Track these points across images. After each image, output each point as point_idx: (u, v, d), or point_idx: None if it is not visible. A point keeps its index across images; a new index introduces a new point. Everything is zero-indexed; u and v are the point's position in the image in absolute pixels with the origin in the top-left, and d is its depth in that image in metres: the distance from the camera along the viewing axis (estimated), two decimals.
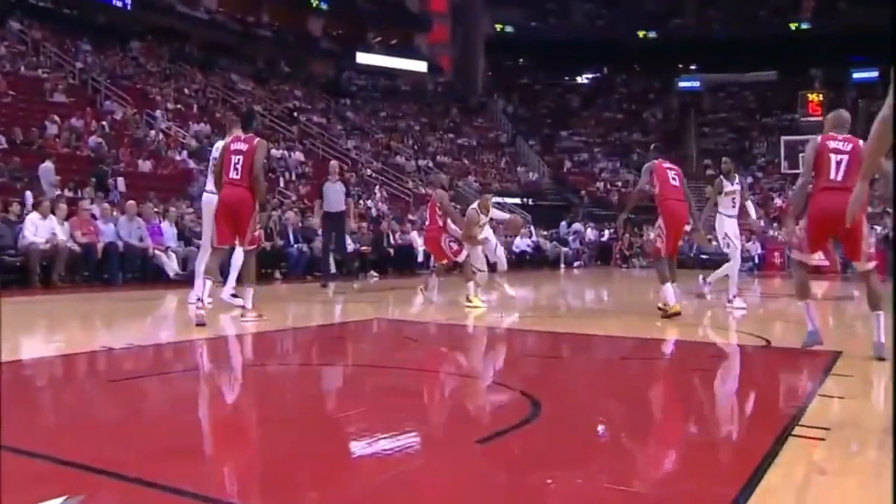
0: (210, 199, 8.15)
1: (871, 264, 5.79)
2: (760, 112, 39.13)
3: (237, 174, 7.27)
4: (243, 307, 7.53)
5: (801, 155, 10.69)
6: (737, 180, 10.01)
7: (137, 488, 2.56)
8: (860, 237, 5.64)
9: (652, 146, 10.39)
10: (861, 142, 5.76)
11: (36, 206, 11.65)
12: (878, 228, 24.24)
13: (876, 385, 4.71)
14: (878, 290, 5.85)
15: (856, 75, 37.31)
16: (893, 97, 3.43)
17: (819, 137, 5.90)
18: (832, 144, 5.70)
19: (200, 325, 6.85)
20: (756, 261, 23.47)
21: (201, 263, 8.37)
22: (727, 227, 9.82)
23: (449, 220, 9.82)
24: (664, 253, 8.16)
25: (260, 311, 7.59)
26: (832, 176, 5.55)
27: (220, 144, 8.23)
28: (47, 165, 14.83)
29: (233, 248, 7.88)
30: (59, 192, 13.93)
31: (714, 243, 10.24)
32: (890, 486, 2.32)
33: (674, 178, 8.21)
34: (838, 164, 5.58)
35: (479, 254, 10.11)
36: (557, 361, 6.07)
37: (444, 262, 10.11)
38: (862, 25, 37.54)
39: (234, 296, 8.47)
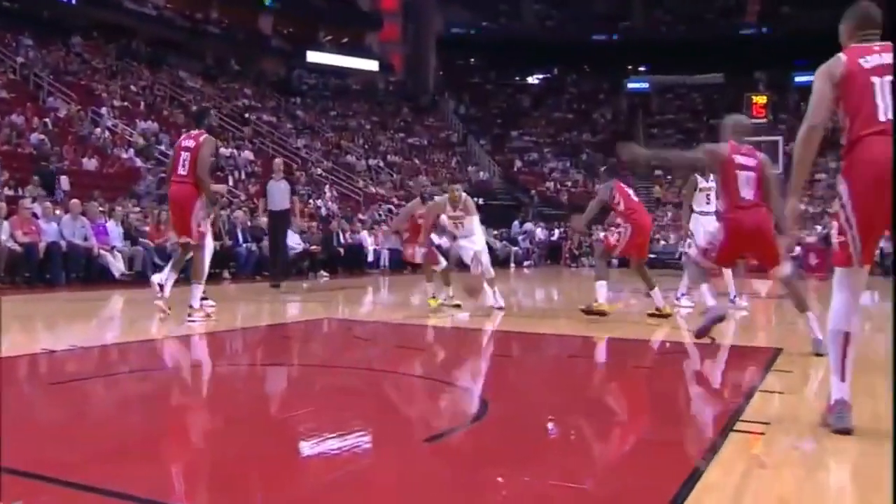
0: None
1: (788, 268, 5.98)
2: (707, 114, 39.76)
3: (184, 170, 7.40)
4: (191, 306, 7.43)
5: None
6: (711, 177, 9.62)
7: (77, 493, 2.52)
8: (773, 245, 5.85)
9: (603, 168, 9.99)
10: (761, 155, 6.02)
11: None
12: (819, 228, 24.91)
13: (814, 380, 4.84)
14: (798, 293, 6.07)
15: (798, 79, 38.19)
16: (810, 109, 3.53)
17: (727, 147, 5.97)
18: (739, 160, 5.87)
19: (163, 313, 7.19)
20: None
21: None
22: (696, 224, 9.59)
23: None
24: (616, 251, 8.31)
25: (207, 310, 7.53)
26: (743, 194, 5.74)
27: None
28: None
29: None
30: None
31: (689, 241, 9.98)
32: (824, 479, 2.38)
33: (633, 196, 8.32)
34: (747, 181, 5.77)
35: (460, 253, 9.27)
36: (507, 360, 6.11)
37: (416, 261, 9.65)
38: (805, 29, 38.56)
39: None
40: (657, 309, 8.19)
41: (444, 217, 9.18)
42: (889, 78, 3.33)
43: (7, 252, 11.00)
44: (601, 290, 7.96)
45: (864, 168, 3.26)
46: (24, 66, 22.48)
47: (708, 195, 9.57)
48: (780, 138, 28.31)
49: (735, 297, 9.53)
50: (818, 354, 5.40)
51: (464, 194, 9.22)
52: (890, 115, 3.28)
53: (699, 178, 9.65)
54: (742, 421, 3.62)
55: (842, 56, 3.52)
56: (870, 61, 3.40)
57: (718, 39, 40.32)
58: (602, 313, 7.82)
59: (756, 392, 4.34)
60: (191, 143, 7.43)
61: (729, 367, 5.89)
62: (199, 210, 7.40)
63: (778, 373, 4.97)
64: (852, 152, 3.33)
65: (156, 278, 7.68)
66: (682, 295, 9.71)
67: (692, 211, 9.72)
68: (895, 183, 2.97)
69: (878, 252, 21.50)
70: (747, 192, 5.76)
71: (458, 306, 9.17)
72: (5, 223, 11.32)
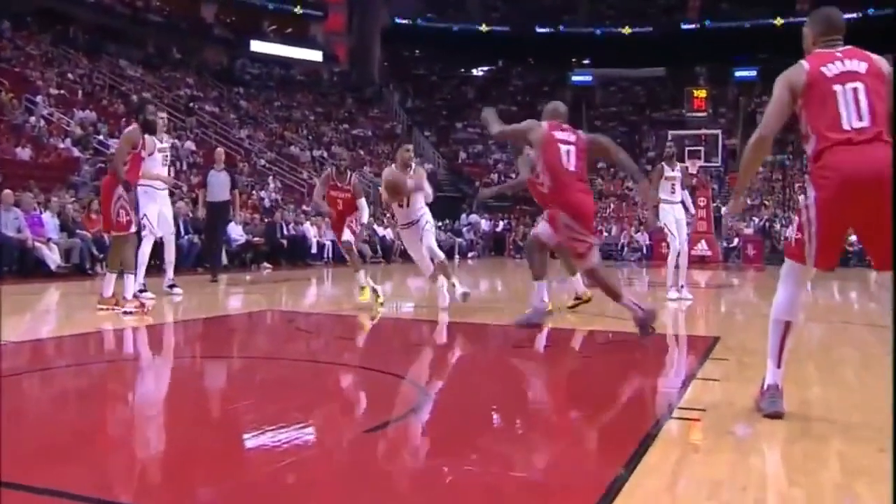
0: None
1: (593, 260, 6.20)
2: (650, 107, 40.44)
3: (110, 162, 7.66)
4: (124, 297, 7.39)
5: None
6: (677, 167, 9.77)
7: (10, 492, 2.45)
8: (590, 224, 6.36)
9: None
10: (583, 134, 6.42)
11: None
12: (756, 220, 25.50)
13: (750, 368, 4.96)
14: (606, 282, 6.29)
15: (737, 73, 39.03)
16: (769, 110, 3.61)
17: (546, 125, 6.31)
18: (558, 135, 6.21)
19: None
20: (644, 251, 24.31)
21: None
22: (665, 214, 9.52)
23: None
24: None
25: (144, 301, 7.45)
26: (566, 167, 6.12)
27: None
28: None
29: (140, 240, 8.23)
30: None
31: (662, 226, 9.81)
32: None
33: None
34: (568, 154, 6.15)
35: (409, 248, 8.59)
36: (449, 351, 6.14)
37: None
38: (744, 26, 39.45)
39: (171, 286, 9.20)
40: (577, 297, 8.05)
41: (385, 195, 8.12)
42: (852, 85, 3.35)
43: None
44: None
45: (830, 176, 3.30)
46: None
47: (673, 184, 9.54)
48: (719, 132, 28.88)
49: (682, 287, 9.54)
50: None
51: (415, 162, 8.59)
52: (854, 124, 3.31)
53: (665, 167, 9.57)
54: (680, 408, 3.71)
55: (804, 64, 3.51)
56: (832, 69, 3.41)
57: (660, 34, 41.00)
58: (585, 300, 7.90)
59: (694, 379, 4.43)
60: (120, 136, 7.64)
61: (668, 356, 6.04)
62: (116, 200, 7.44)
63: (715, 361, 5.08)
64: (819, 161, 3.37)
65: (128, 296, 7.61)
66: (682, 286, 9.54)
67: (658, 199, 9.58)
68: (895, 187, 3.04)
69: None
70: (570, 165, 6.11)
71: (381, 304, 8.25)
72: None
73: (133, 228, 7.58)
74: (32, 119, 19.75)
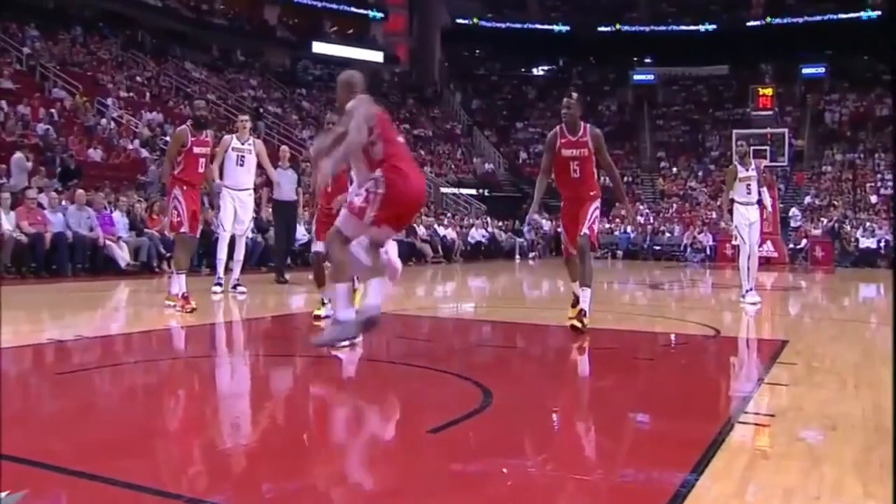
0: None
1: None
2: (713, 105, 39.67)
3: None
4: (168, 293, 7.61)
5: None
6: (752, 165, 9.45)
7: (82, 482, 2.53)
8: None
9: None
10: None
11: None
12: (825, 221, 24.85)
13: (819, 372, 4.83)
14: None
15: (804, 70, 38.05)
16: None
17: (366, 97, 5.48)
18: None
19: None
20: (708, 252, 23.88)
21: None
22: (738, 216, 9.24)
23: None
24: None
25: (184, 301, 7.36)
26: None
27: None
28: (19, 156, 14.44)
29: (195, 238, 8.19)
30: (28, 182, 13.53)
31: (734, 233, 9.52)
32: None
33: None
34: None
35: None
36: (512, 351, 6.12)
37: None
38: (810, 22, 38.43)
39: (236, 286, 9.24)
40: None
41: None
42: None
43: (13, 242, 11.02)
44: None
45: None
46: (31, 56, 22.48)
47: (748, 185, 9.25)
48: (785, 130, 28.23)
49: (749, 290, 9.15)
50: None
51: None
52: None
53: (739, 167, 9.29)
54: (747, 413, 3.63)
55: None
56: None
57: (724, 31, 40.21)
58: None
59: (761, 383, 4.35)
60: None
61: (735, 359, 5.92)
62: (171, 200, 7.65)
63: (783, 365, 4.97)
64: None
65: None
66: (748, 291, 9.17)
67: (733, 202, 9.35)
68: None
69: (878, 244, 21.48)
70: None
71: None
72: (11, 213, 11.34)
73: (183, 228, 7.65)
74: (103, 121, 20.33)
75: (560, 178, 6.52)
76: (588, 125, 6.45)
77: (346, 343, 4.95)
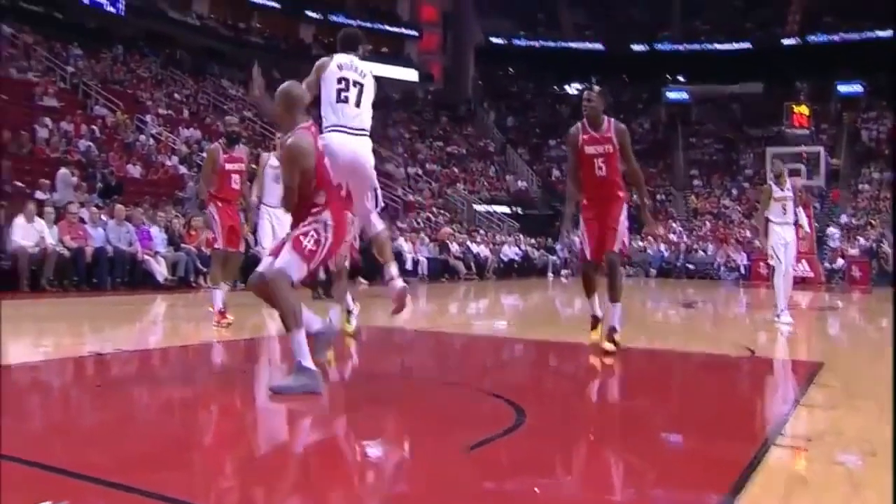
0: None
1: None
2: (747, 123, 39.38)
3: None
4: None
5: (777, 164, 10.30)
6: (788, 185, 9.30)
7: (120, 494, 2.57)
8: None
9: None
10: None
11: (23, 210, 11.60)
12: (862, 240, 24.49)
13: (858, 395, 4.78)
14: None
15: (841, 88, 37.63)
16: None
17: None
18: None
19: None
20: (742, 271, 23.65)
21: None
22: (774, 236, 9.14)
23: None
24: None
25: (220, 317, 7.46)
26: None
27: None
28: (64, 171, 14.82)
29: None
30: (73, 197, 13.86)
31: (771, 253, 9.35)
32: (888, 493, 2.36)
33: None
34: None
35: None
36: (544, 369, 6.12)
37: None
38: (847, 40, 37.98)
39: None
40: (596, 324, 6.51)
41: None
42: None
43: (56, 256, 11.26)
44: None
45: None
46: (74, 75, 22.98)
47: (784, 205, 9.16)
48: (821, 149, 27.91)
49: (783, 311, 9.02)
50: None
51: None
52: None
53: (774, 187, 9.22)
54: (783, 435, 3.58)
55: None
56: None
57: (758, 49, 39.95)
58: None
59: (798, 406, 4.29)
60: None
61: (770, 381, 5.85)
62: (209, 217, 7.79)
63: (820, 387, 4.90)
64: None
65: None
66: (782, 311, 9.04)
67: (767, 221, 9.24)
68: None
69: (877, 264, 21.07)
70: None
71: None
72: (54, 228, 11.60)
73: (217, 245, 7.72)
74: (143, 138, 20.71)
75: (584, 177, 6.18)
76: (612, 120, 6.15)
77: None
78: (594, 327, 6.29)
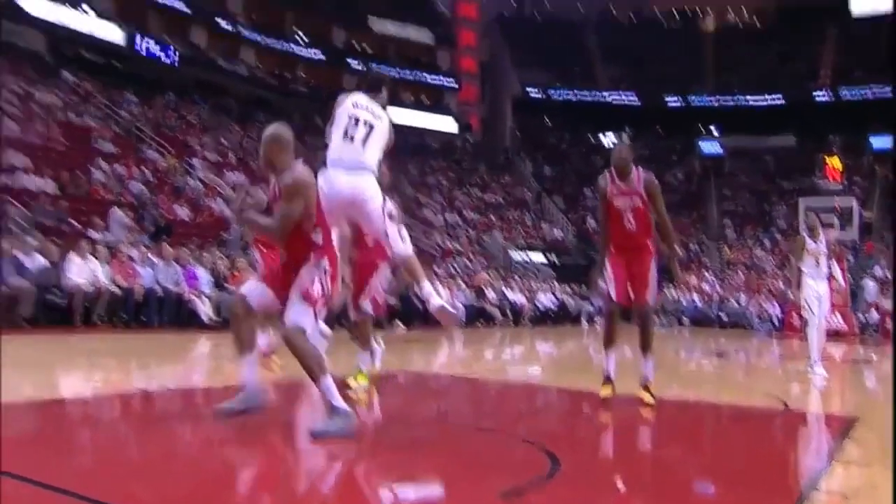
0: None
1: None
2: (780, 176, 39.26)
3: None
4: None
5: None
6: (822, 238, 9.24)
7: None
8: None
9: None
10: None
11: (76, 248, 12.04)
12: None
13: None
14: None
15: (874, 141, 37.41)
16: None
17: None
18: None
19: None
20: (775, 322, 23.46)
21: None
22: (807, 289, 9.09)
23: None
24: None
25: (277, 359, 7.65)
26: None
27: None
28: (117, 211, 15.41)
29: None
30: (124, 237, 14.40)
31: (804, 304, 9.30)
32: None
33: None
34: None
35: None
36: (578, 418, 6.21)
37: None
38: (879, 94, 37.77)
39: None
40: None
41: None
42: None
43: (109, 294, 11.68)
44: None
45: None
46: (129, 120, 23.82)
47: (818, 258, 9.13)
48: (853, 201, 27.69)
49: (816, 362, 9.03)
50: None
51: None
52: None
53: (807, 239, 9.18)
54: (818, 490, 3.55)
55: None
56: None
57: (791, 103, 40.01)
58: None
59: (833, 462, 4.26)
60: None
61: (804, 435, 5.79)
62: (252, 260, 8.00)
63: (855, 442, 4.86)
64: None
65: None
66: (816, 361, 9.05)
67: (800, 272, 9.19)
68: None
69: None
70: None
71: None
72: (107, 266, 12.03)
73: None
74: (191, 181, 21.33)
75: (613, 229, 6.17)
76: (641, 170, 6.08)
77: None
78: (606, 382, 6.25)
